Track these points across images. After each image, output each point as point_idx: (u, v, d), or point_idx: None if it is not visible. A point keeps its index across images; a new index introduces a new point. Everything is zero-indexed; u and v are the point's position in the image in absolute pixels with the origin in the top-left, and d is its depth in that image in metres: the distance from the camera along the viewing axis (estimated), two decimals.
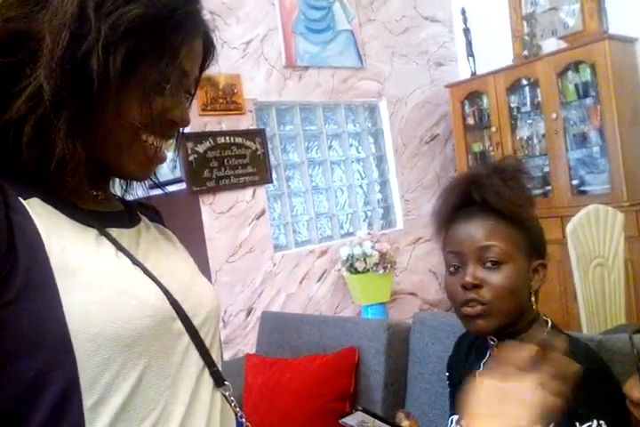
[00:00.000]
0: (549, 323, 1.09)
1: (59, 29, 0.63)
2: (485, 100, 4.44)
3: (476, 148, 4.56)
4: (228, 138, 3.57)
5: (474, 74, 4.47)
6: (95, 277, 0.62)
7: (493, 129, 4.31)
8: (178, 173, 3.48)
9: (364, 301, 3.83)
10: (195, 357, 0.70)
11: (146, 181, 0.80)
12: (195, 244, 3.51)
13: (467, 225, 1.08)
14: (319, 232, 4.14)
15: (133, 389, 0.63)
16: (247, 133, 3.65)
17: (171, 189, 3.75)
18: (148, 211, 0.87)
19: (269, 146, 3.81)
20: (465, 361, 1.23)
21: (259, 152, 3.69)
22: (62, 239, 0.63)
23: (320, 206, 4.19)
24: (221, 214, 3.55)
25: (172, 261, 0.78)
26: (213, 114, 3.54)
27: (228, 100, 3.57)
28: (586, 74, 3.86)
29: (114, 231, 0.71)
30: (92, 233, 0.68)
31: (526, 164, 1.10)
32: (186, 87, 0.75)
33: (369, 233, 3.93)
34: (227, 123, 3.60)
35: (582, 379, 0.92)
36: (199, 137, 3.46)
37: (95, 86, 0.64)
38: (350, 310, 4.02)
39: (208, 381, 0.72)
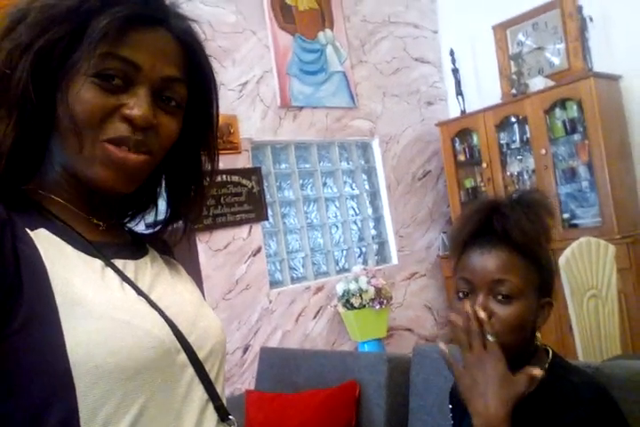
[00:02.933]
0: (550, 353, 1.09)
1: None
2: (475, 138, 4.54)
3: (468, 183, 4.63)
4: (224, 176, 3.62)
5: (463, 112, 4.58)
6: (98, 308, 0.62)
7: (484, 165, 4.39)
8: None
9: (361, 337, 3.83)
10: (199, 390, 0.69)
11: (143, 221, 0.81)
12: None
13: (482, 255, 1.06)
14: (315, 268, 4.17)
15: (135, 421, 0.62)
16: (243, 172, 3.71)
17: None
18: (158, 243, 0.86)
19: (265, 184, 3.86)
20: None
21: (254, 190, 3.75)
22: (67, 270, 0.63)
23: (315, 243, 4.22)
24: (218, 252, 3.57)
25: (178, 292, 0.76)
26: None
27: (224, 139, 3.64)
28: (573, 110, 3.96)
29: (119, 262, 0.70)
30: (97, 264, 0.67)
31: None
32: (143, 83, 0.68)
33: (364, 269, 3.96)
34: (223, 161, 3.61)
35: (587, 411, 0.94)
36: None
37: (20, 88, 0.64)
38: (347, 346, 4.01)
39: (212, 415, 0.70)
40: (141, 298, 0.68)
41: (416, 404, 1.90)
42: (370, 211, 4.53)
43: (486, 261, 1.05)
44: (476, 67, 4.70)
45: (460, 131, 4.55)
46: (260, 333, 3.67)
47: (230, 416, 0.73)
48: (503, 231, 1.05)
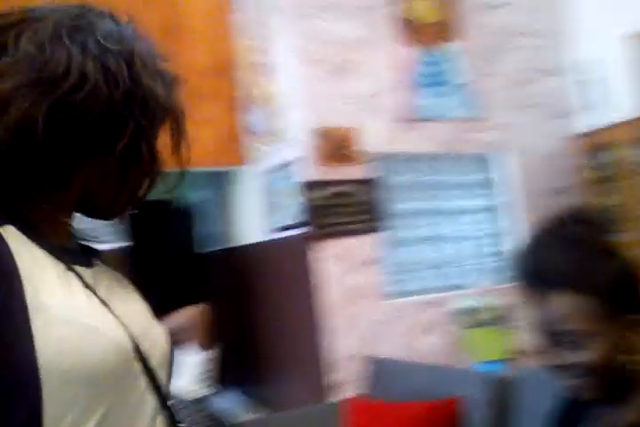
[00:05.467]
0: None
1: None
2: (610, 153, 4.29)
3: (600, 201, 4.38)
4: (344, 187, 3.68)
5: (599, 126, 4.34)
6: (67, 313, 0.62)
7: (619, 182, 4.14)
8: (293, 219, 3.62)
9: (477, 357, 3.72)
10: (151, 398, 0.70)
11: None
12: (305, 289, 3.60)
13: (537, 307, 1.00)
14: (431, 283, 4.11)
15: None
16: (362, 183, 3.75)
17: (285, 234, 3.90)
18: (94, 253, 0.83)
19: (384, 195, 3.88)
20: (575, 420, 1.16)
21: (373, 201, 3.77)
22: (36, 271, 0.63)
23: (434, 257, 4.16)
24: (334, 261, 3.62)
25: (129, 303, 0.77)
26: (331, 164, 3.69)
27: (345, 151, 3.71)
28: None
29: (78, 269, 0.70)
30: (61, 268, 0.67)
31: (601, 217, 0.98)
32: None
33: (484, 286, 3.84)
34: (343, 172, 3.72)
35: None
36: (317, 186, 3.61)
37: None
38: (458, 364, 3.91)
39: (162, 422, 0.72)
40: (102, 305, 0.68)
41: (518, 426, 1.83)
42: (491, 226, 4.40)
43: (541, 314, 0.99)
44: (608, 78, 4.46)
45: (594, 145, 4.32)
46: (371, 343, 3.67)
47: (180, 425, 0.75)
48: (542, 276, 0.99)
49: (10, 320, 0.58)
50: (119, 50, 0.69)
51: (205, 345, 1.33)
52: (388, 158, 4.00)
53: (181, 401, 1.28)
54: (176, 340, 0.96)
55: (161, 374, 0.73)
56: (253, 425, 2.95)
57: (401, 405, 2.14)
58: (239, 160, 4.35)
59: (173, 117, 0.75)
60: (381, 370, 2.47)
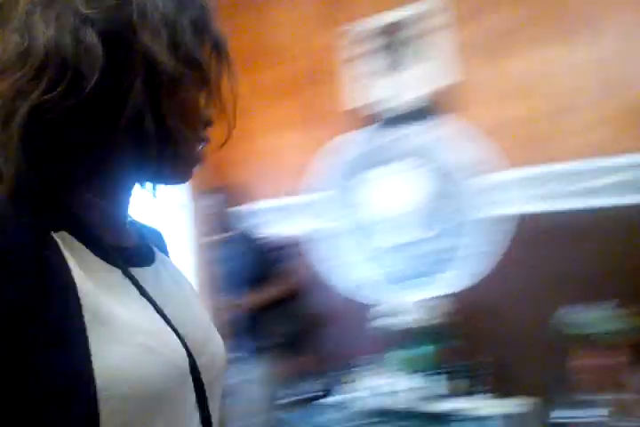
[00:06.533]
0: None
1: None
2: None
3: None
4: None
5: None
6: (125, 330, 0.57)
7: None
8: None
9: None
10: (195, 419, 0.66)
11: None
12: None
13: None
14: None
15: None
16: None
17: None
18: (153, 235, 0.80)
19: None
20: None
21: None
22: (93, 283, 0.58)
23: None
24: None
25: (190, 307, 0.73)
26: None
27: None
28: None
29: (136, 272, 0.65)
30: (117, 275, 0.62)
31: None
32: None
33: None
34: None
35: None
36: None
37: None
38: None
39: None
40: (161, 318, 0.63)
41: None
42: None
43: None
44: None
45: None
46: None
47: None
48: None
49: (67, 340, 0.53)
50: (105, 12, 0.59)
51: None
52: None
53: None
54: None
55: (213, 389, 0.69)
56: None
57: None
58: None
59: (200, 78, 0.64)
60: None
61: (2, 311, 0.51)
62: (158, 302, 0.64)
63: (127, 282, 0.62)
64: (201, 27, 0.64)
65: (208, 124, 0.68)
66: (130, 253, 0.67)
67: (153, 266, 0.70)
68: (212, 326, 0.75)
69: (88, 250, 0.60)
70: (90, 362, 0.53)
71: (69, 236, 0.59)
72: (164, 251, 0.80)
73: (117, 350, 0.55)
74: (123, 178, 0.66)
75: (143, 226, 0.77)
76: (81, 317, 0.54)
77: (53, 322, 0.53)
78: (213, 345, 0.71)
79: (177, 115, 0.63)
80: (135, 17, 0.59)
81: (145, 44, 0.59)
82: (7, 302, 0.51)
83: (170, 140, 0.63)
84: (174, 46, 0.61)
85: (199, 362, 0.65)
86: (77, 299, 0.54)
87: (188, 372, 0.63)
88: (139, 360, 0.57)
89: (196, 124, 0.67)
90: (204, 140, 0.68)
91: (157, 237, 0.80)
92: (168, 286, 0.70)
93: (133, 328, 0.58)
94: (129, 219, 0.72)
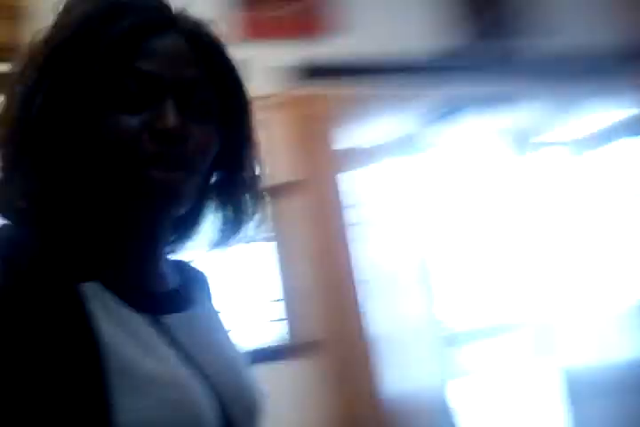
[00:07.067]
0: None
1: None
2: None
3: None
4: None
5: None
6: (149, 382, 0.56)
7: None
8: None
9: None
10: None
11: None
12: None
13: None
14: None
15: None
16: None
17: None
18: (196, 278, 0.78)
19: None
20: None
21: None
22: (119, 332, 0.57)
23: None
24: None
25: (226, 355, 0.70)
26: None
27: None
28: None
29: (169, 318, 0.64)
30: (143, 322, 0.61)
31: None
32: (166, 94, 0.61)
33: None
34: None
35: None
36: None
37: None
38: None
39: None
40: (187, 368, 0.61)
41: None
42: None
43: None
44: None
45: None
46: None
47: None
48: None
49: (87, 394, 0.52)
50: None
51: None
52: None
53: None
54: None
55: None
56: None
57: None
58: None
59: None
60: None
61: (17, 364, 0.51)
62: (190, 350, 0.63)
63: (156, 331, 0.61)
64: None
65: None
66: (164, 298, 0.67)
67: (189, 311, 0.68)
68: (247, 371, 0.72)
69: (118, 299, 0.59)
70: (109, 413, 0.52)
71: (98, 285, 0.58)
72: (207, 293, 0.78)
73: (140, 403, 0.54)
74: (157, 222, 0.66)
75: (186, 268, 0.76)
76: (100, 368, 0.53)
77: (72, 377, 0.52)
78: (248, 394, 0.69)
79: None
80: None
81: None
82: (24, 355, 0.51)
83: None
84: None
85: (232, 411, 0.63)
86: (99, 351, 0.53)
87: (214, 422, 0.61)
88: (163, 415, 0.55)
89: None
90: None
91: (200, 279, 0.79)
92: (202, 333, 0.69)
93: (160, 380, 0.57)
94: (170, 261, 0.72)
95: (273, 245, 2.98)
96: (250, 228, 0.72)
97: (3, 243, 0.57)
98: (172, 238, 0.72)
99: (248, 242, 0.79)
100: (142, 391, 0.55)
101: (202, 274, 0.80)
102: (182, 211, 0.64)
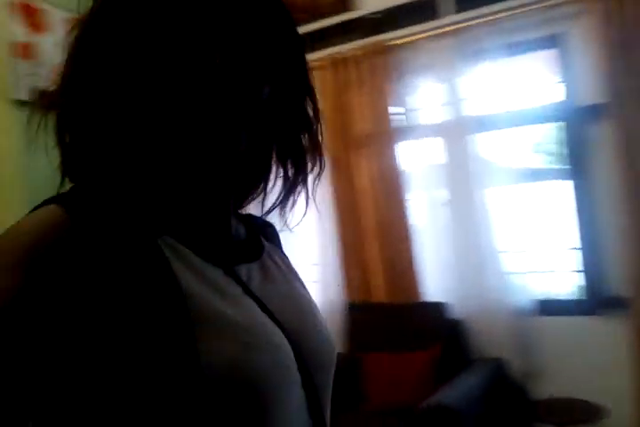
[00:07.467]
0: None
1: None
2: None
3: None
4: None
5: None
6: (230, 329, 0.58)
7: None
8: None
9: None
10: (304, 417, 0.63)
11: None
12: None
13: None
14: None
15: None
16: None
17: None
18: (266, 228, 0.79)
19: None
20: None
21: None
22: (197, 282, 0.59)
23: None
24: None
25: (298, 301, 0.71)
26: None
27: None
28: None
29: (241, 268, 0.66)
30: (219, 273, 0.63)
31: None
32: None
33: None
34: None
35: None
36: None
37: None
38: None
39: None
40: (264, 314, 0.63)
41: None
42: None
43: None
44: None
45: None
46: None
47: None
48: None
49: (175, 341, 0.54)
50: None
51: None
52: None
53: None
54: None
55: (323, 386, 0.67)
56: None
57: None
58: None
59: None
60: None
61: (109, 315, 0.52)
62: (264, 297, 0.65)
63: (231, 280, 0.63)
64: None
65: None
66: (236, 248, 0.68)
67: (260, 260, 0.70)
68: (322, 320, 0.73)
69: (191, 252, 0.61)
70: (198, 360, 0.53)
71: (173, 240, 0.60)
72: (276, 243, 0.80)
73: (222, 348, 0.55)
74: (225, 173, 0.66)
75: (254, 219, 0.77)
76: (188, 317, 0.55)
77: (161, 323, 0.54)
78: (321, 340, 0.69)
79: None
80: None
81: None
82: (115, 306, 0.53)
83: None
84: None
85: (309, 361, 0.64)
86: (183, 300, 0.56)
87: (293, 368, 0.62)
88: (244, 360, 0.56)
89: None
90: None
91: (269, 230, 0.80)
92: (275, 280, 0.70)
93: (239, 327, 0.58)
94: (240, 215, 0.74)
95: (570, 183, 2.69)
96: (308, 187, 0.72)
97: (80, 201, 0.58)
98: (240, 195, 0.74)
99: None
100: (227, 336, 0.56)
101: (272, 226, 0.81)
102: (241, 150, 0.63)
